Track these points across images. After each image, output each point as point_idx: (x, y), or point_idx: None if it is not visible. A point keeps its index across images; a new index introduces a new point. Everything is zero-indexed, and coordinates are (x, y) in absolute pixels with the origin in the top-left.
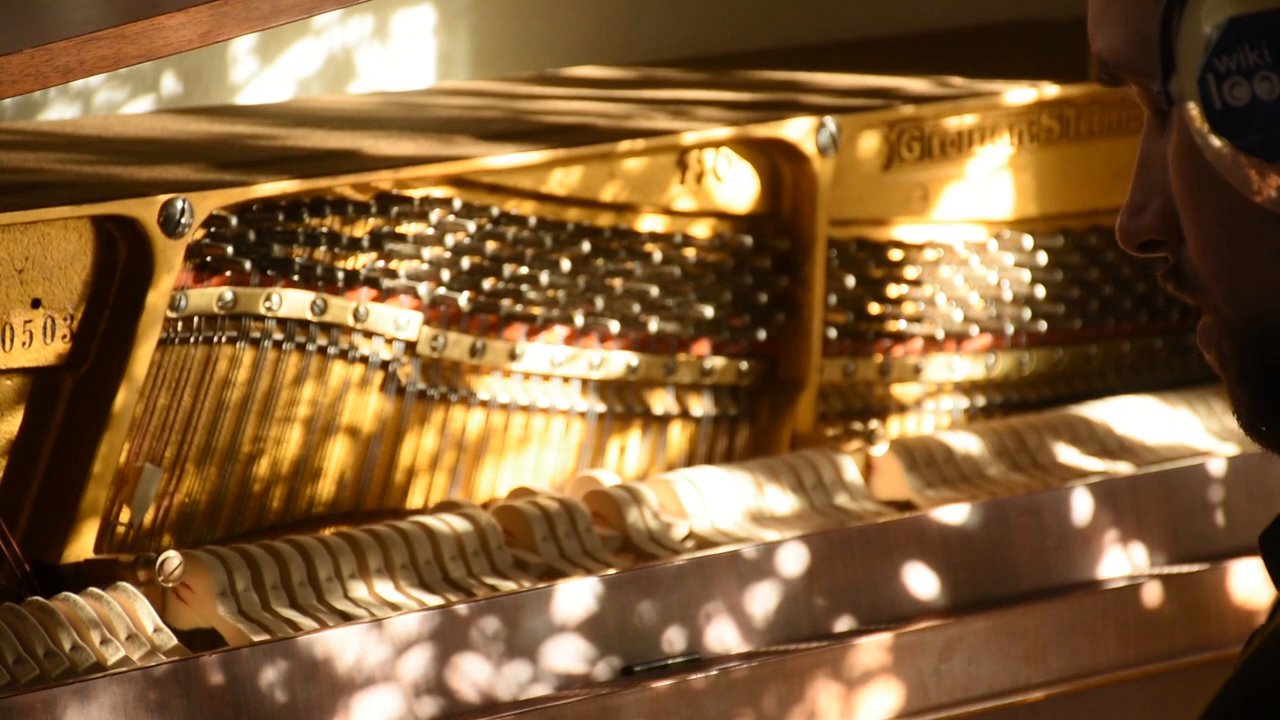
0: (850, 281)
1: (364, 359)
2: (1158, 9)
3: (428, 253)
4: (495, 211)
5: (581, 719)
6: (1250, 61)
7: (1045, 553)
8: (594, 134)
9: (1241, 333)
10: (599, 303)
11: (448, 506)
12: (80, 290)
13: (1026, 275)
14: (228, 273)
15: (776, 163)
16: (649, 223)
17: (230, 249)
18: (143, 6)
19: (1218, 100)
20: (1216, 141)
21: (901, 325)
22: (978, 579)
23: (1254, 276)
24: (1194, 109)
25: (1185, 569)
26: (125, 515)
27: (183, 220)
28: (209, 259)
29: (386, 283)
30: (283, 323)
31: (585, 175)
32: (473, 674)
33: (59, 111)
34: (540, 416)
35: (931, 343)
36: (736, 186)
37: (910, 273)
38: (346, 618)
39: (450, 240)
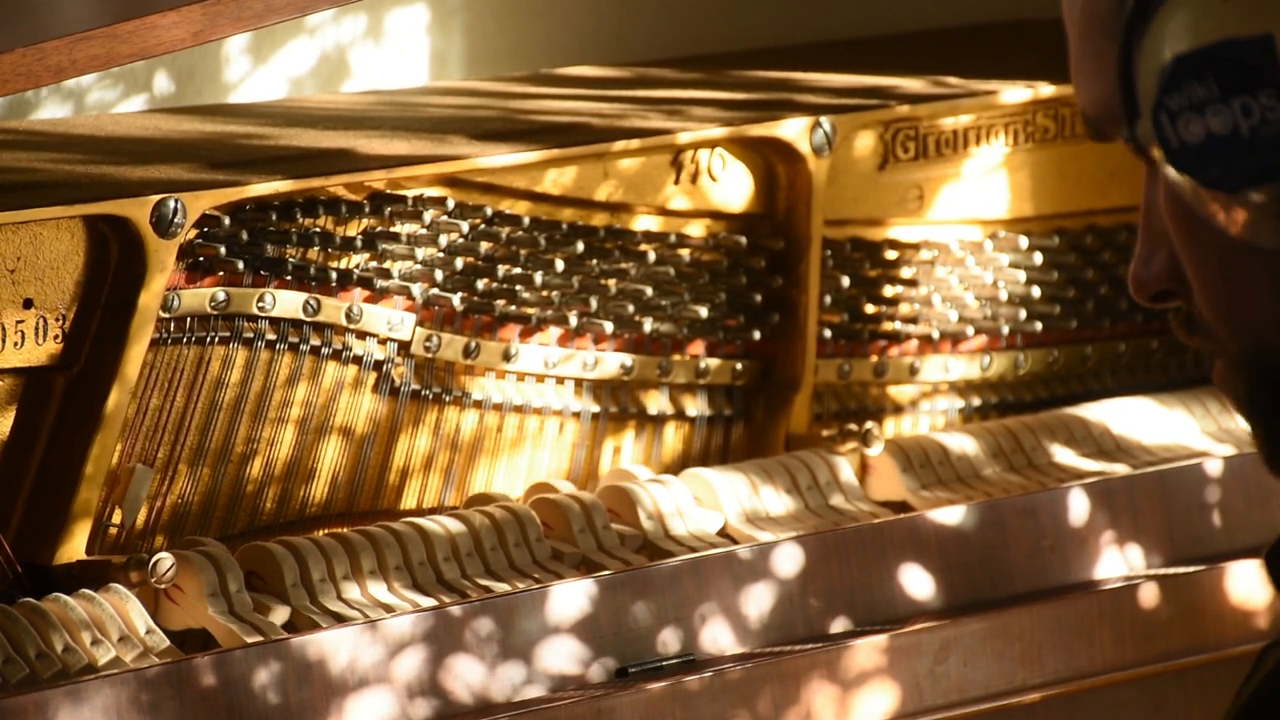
0: (845, 282)
1: (357, 359)
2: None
3: (421, 253)
4: (489, 211)
5: None
6: (1199, 96)
7: (1041, 554)
8: (588, 134)
9: (1249, 370)
10: (593, 303)
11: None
12: (72, 290)
13: (1022, 275)
14: (220, 273)
15: (771, 162)
16: (643, 223)
17: (223, 249)
18: (135, 5)
19: (1174, 138)
20: (1182, 179)
21: (897, 325)
22: (973, 580)
23: (1251, 312)
24: (1157, 150)
25: (1181, 570)
26: (117, 516)
27: (175, 220)
28: (201, 259)
29: (380, 283)
30: (276, 323)
31: (579, 175)
32: (467, 676)
33: (51, 111)
34: (534, 417)
35: (927, 343)
36: (731, 186)
37: (905, 273)
38: (340, 619)
39: (444, 240)
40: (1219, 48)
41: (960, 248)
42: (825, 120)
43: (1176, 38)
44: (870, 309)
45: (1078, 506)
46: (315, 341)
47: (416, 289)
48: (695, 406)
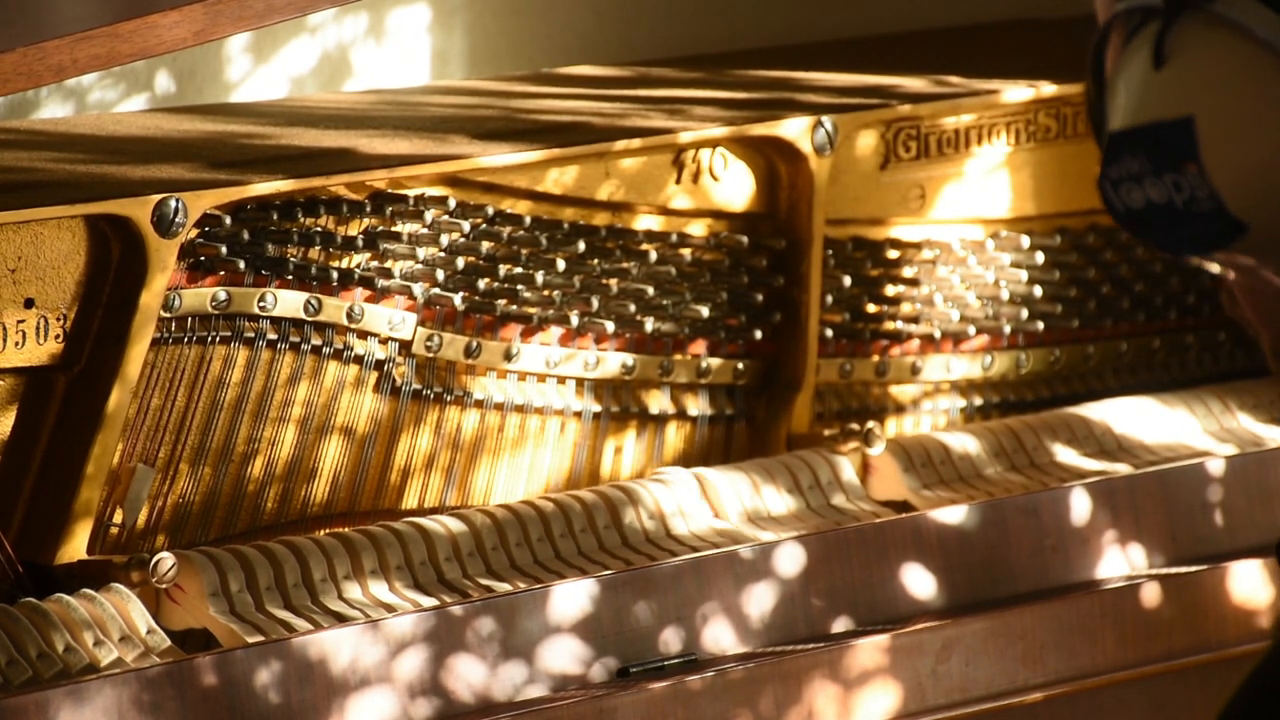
0: (847, 281)
1: (359, 359)
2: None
3: (422, 252)
4: (490, 211)
5: None
6: (1135, 170)
7: (1043, 553)
8: (590, 133)
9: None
10: (594, 302)
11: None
12: (73, 290)
13: (1024, 275)
14: (221, 272)
15: (773, 162)
16: (645, 222)
17: (224, 248)
18: (136, 5)
19: (1119, 204)
20: None
21: (898, 325)
22: (975, 580)
23: (1274, 309)
24: None
25: (1183, 570)
26: (118, 516)
27: (176, 220)
28: (203, 259)
29: (381, 282)
30: (277, 322)
31: (581, 174)
32: (468, 675)
33: (52, 110)
34: (535, 417)
35: (929, 342)
36: (733, 186)
37: (907, 272)
38: (341, 619)
39: (445, 240)
40: (1148, 129)
41: (962, 247)
42: (827, 120)
43: (1118, 111)
44: (872, 308)
45: (1079, 506)
46: (316, 341)
47: (418, 288)
48: (697, 406)
